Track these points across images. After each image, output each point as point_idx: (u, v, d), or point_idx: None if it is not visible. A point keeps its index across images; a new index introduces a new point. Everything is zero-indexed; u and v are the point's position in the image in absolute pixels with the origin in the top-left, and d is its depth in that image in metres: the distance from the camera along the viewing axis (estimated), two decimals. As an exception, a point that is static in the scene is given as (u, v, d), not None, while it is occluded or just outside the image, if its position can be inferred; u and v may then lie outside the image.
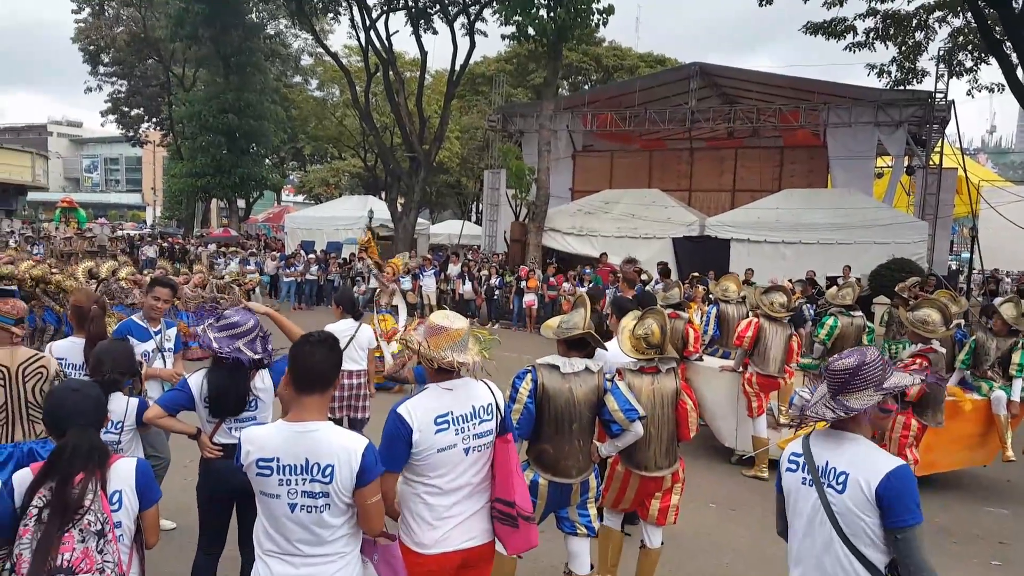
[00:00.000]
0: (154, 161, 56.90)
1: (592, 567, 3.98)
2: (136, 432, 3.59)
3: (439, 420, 2.75)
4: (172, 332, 5.05)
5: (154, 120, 40.88)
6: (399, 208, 23.26)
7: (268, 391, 3.67)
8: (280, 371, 3.64)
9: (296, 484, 2.41)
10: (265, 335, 3.71)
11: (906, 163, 19.23)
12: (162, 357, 4.92)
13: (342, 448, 2.44)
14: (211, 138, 29.45)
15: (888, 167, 20.43)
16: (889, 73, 17.78)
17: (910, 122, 18.10)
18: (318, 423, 2.48)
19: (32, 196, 61.03)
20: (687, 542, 5.37)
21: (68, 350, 4.26)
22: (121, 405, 3.56)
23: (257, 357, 3.58)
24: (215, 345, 3.52)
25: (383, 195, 30.74)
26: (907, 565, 2.29)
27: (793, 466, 2.58)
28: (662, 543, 4.38)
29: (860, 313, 8.14)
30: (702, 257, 16.77)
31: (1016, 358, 6.50)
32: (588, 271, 16.42)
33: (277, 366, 3.72)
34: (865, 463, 2.37)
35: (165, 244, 27.23)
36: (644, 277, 10.78)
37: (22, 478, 2.33)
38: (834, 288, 8.44)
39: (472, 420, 2.83)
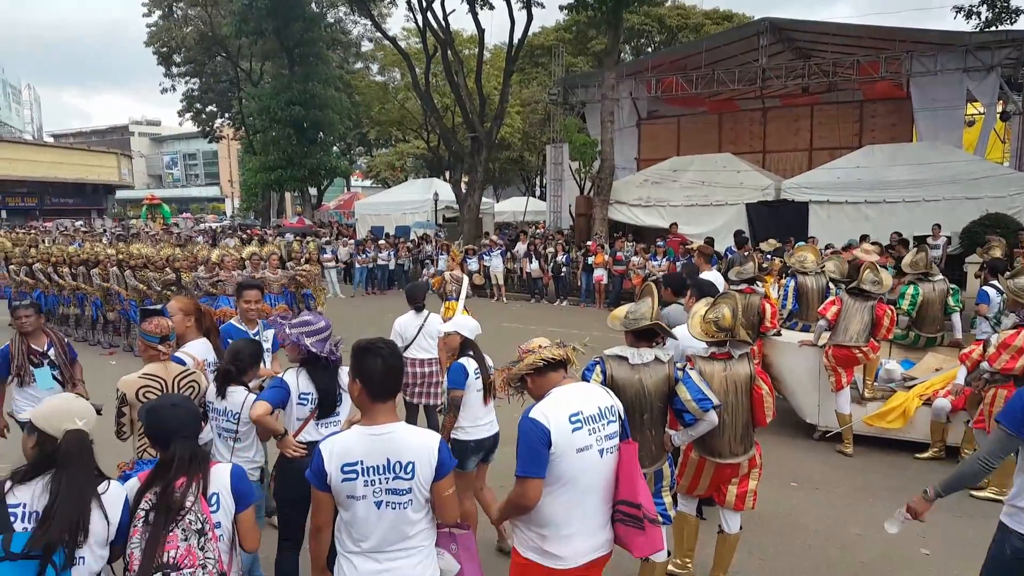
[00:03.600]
0: (229, 155, 58.90)
1: (668, 553, 3.95)
2: (252, 425, 3.78)
3: (573, 419, 2.77)
4: (269, 333, 5.27)
5: (227, 115, 42.17)
6: (463, 189, 23.35)
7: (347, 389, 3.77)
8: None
9: (380, 484, 2.52)
10: (338, 339, 3.89)
11: (999, 109, 17.96)
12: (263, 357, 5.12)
13: (421, 445, 2.57)
14: (280, 131, 30.22)
15: (980, 114, 19.14)
16: (978, 14, 16.53)
17: (1003, 65, 16.80)
18: (394, 424, 2.59)
19: (120, 194, 64.58)
20: (768, 522, 5.25)
21: (201, 350, 4.58)
22: (240, 398, 3.88)
23: (337, 356, 3.82)
24: (313, 349, 3.72)
25: (447, 175, 30.93)
26: None
27: None
28: (741, 527, 4.30)
29: (941, 276, 7.69)
30: (779, 222, 16.23)
31: None
32: (661, 243, 16.11)
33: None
34: None
35: (244, 236, 28.27)
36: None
37: (131, 485, 2.55)
38: (909, 255, 7.99)
39: (600, 420, 2.85)
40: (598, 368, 3.63)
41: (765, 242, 13.53)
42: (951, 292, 7.66)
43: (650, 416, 3.66)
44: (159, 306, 4.51)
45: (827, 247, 13.81)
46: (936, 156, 16.01)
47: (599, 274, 16.26)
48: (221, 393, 3.91)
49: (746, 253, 14.01)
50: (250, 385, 4.15)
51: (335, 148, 38.38)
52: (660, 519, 3.73)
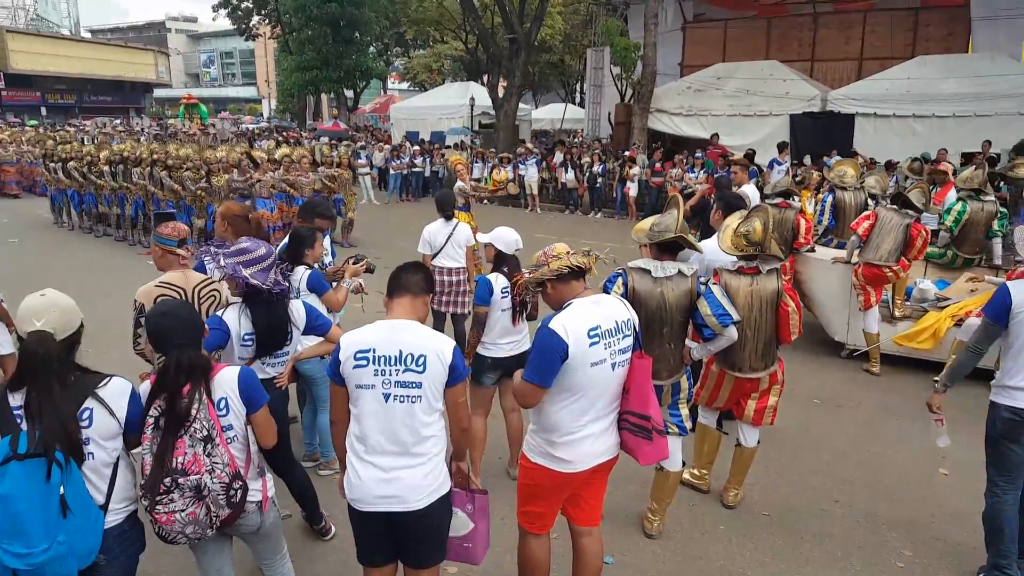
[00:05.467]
0: (266, 54, 57.96)
1: (684, 463, 4.05)
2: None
3: (591, 333, 2.80)
4: (327, 242, 5.27)
5: (263, 12, 41.27)
6: (500, 93, 22.76)
7: (301, 321, 3.62)
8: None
9: (391, 374, 2.59)
10: (282, 264, 3.60)
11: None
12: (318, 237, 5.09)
13: (434, 342, 2.64)
14: (317, 29, 29.61)
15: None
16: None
17: (1072, -32, 15.57)
18: (410, 321, 2.69)
19: (157, 93, 64.53)
20: (788, 439, 5.32)
21: None
22: (297, 276, 4.20)
23: (284, 287, 3.49)
24: (254, 280, 3.35)
25: (485, 79, 30.17)
26: None
27: None
28: (759, 442, 4.37)
29: (992, 197, 7.36)
30: (823, 135, 15.66)
31: None
32: (700, 154, 15.67)
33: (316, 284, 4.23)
34: None
35: (280, 138, 28.23)
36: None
37: (144, 388, 2.59)
38: (966, 171, 7.64)
39: (616, 335, 2.88)
40: (620, 280, 3.64)
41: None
42: (999, 215, 7.36)
43: (670, 329, 3.68)
44: (172, 211, 4.54)
45: (871, 161, 13.36)
46: (991, 68, 15.07)
47: (628, 186, 15.98)
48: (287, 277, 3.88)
49: (784, 159, 13.66)
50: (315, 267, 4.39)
51: (372, 48, 37.59)
52: (676, 429, 3.86)
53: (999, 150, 13.73)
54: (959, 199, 7.40)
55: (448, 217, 6.18)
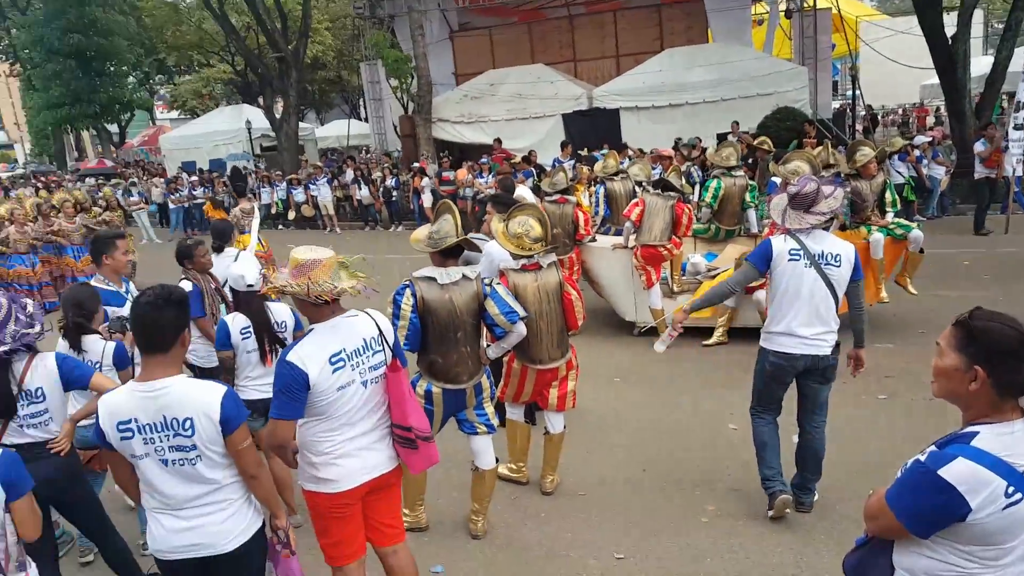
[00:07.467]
0: (10, 94, 51.20)
1: (497, 460, 4.13)
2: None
3: (334, 360, 2.74)
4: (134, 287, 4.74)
5: (-5, 49, 36.50)
6: (278, 115, 21.93)
7: (50, 377, 3.19)
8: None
9: (161, 442, 2.43)
10: (28, 315, 3.19)
11: (783, 6, 19.21)
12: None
13: (198, 400, 2.43)
14: (62, 63, 26.79)
15: (766, 13, 20.41)
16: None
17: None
18: (169, 379, 2.44)
19: None
20: (593, 418, 5.61)
21: None
22: (99, 347, 3.72)
23: (4, 348, 3.03)
24: None
25: (261, 101, 28.95)
26: (859, 298, 3.94)
27: (796, 256, 3.79)
28: (565, 426, 4.57)
29: (742, 173, 8.24)
30: (593, 130, 16.62)
31: (888, 196, 6.90)
32: (485, 159, 16.09)
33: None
34: (845, 247, 3.85)
35: (39, 184, 25.28)
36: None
37: None
38: (711, 149, 8.47)
39: (365, 353, 2.85)
40: (408, 291, 3.64)
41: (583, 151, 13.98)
42: (749, 188, 8.12)
43: (464, 333, 3.75)
44: None
45: (637, 150, 14.46)
46: (730, 56, 16.87)
47: (422, 197, 16.07)
48: (76, 347, 3.62)
49: (566, 157, 14.45)
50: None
51: (131, 78, 34.68)
52: (484, 429, 3.94)
53: (746, 129, 15.35)
54: (714, 176, 8.16)
55: (218, 249, 5.79)
